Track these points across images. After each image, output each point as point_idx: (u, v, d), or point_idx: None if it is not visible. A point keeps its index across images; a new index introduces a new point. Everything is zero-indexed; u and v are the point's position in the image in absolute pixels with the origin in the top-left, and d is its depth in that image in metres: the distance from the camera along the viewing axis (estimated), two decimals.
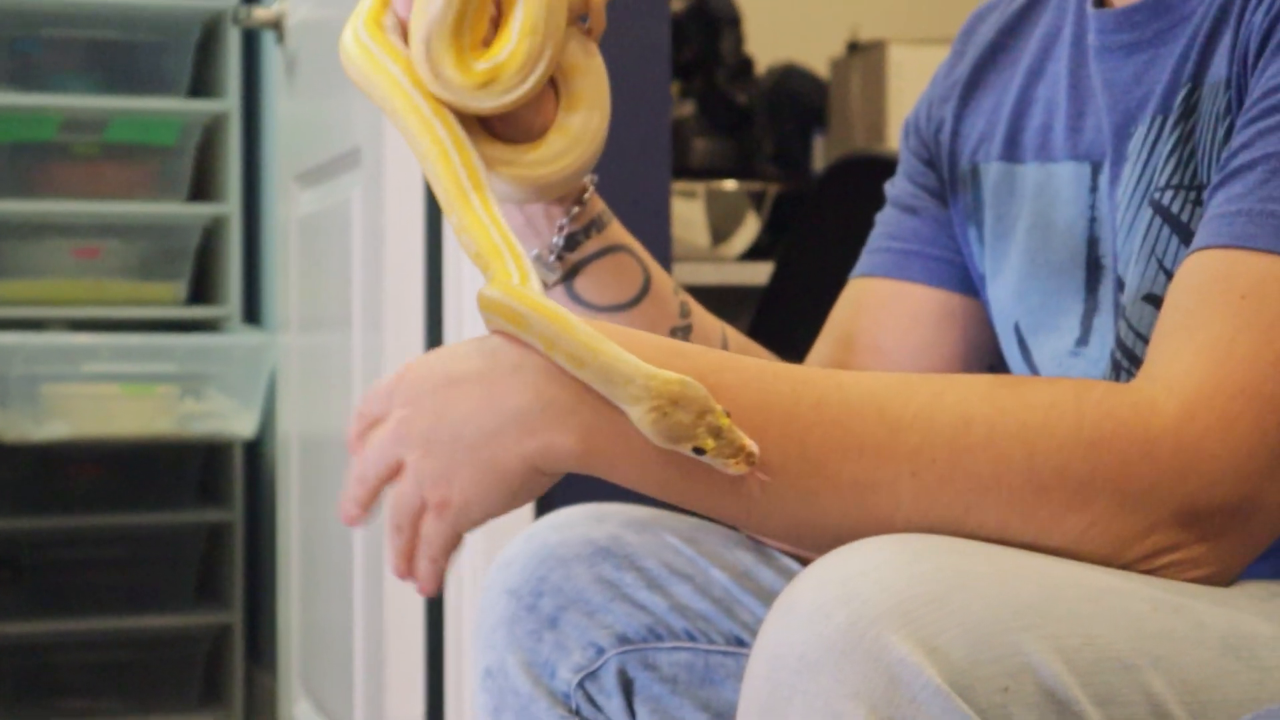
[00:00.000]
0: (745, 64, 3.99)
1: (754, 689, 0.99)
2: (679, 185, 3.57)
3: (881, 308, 1.50)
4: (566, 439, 1.08)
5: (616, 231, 1.34)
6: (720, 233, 3.72)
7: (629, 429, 1.06)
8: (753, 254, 3.69)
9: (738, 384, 1.07)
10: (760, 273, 3.40)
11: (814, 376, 1.10)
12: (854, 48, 4.13)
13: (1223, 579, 1.06)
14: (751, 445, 1.02)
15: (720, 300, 3.44)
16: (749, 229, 3.74)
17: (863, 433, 1.06)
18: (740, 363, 1.11)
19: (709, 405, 1.04)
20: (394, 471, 1.12)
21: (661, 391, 1.04)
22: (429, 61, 1.20)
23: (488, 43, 1.22)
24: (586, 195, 1.34)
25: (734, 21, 3.90)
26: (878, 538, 1.02)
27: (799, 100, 4.17)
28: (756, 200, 3.78)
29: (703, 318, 1.41)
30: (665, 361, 1.07)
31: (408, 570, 1.13)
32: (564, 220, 1.33)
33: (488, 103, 1.20)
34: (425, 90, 1.22)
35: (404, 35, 1.25)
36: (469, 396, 1.10)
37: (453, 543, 1.13)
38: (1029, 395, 1.07)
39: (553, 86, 1.27)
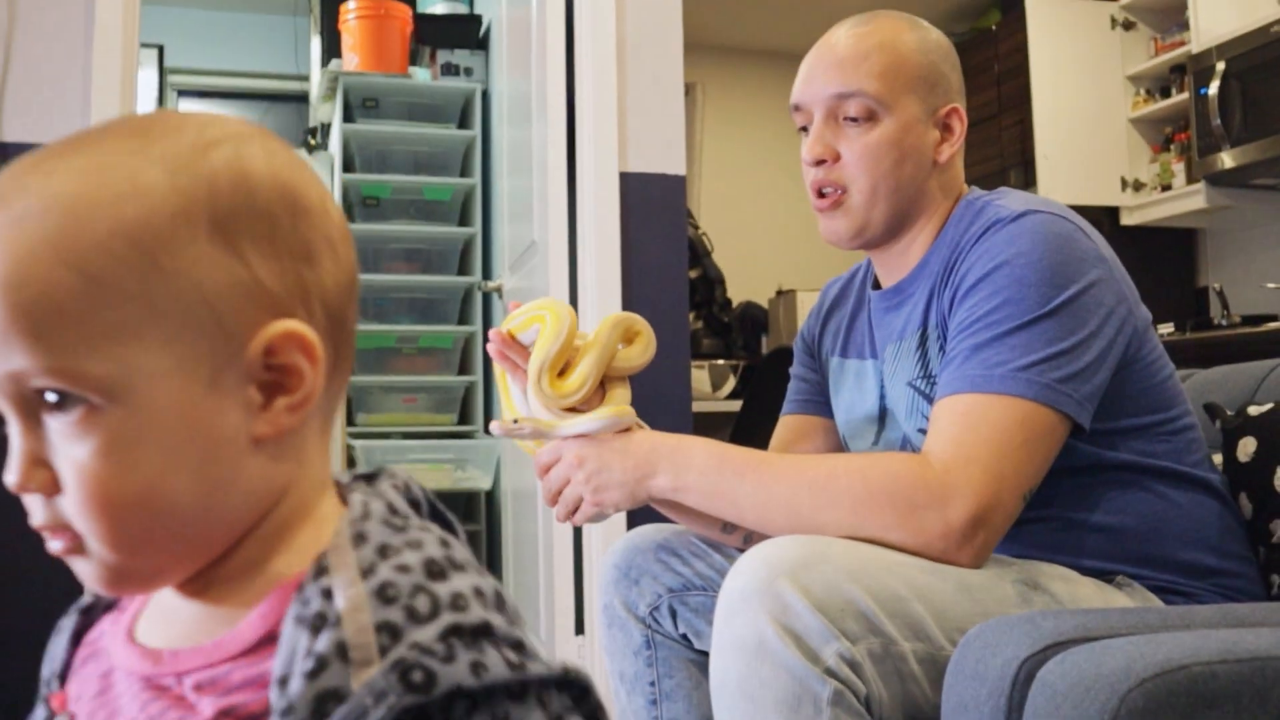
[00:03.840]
0: (727, 302, 4.24)
1: (719, 610, 1.01)
2: (695, 363, 3.85)
3: (804, 431, 1.46)
4: (663, 480, 1.16)
5: None
6: (716, 385, 3.93)
7: (690, 473, 1.14)
8: (732, 395, 3.92)
9: (739, 454, 1.13)
10: (736, 405, 3.66)
11: (765, 455, 1.14)
12: (780, 293, 4.44)
13: (980, 562, 1.06)
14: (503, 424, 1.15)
15: (717, 420, 3.78)
16: (730, 383, 3.96)
17: (785, 476, 1.09)
18: (730, 448, 1.15)
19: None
20: (565, 484, 1.21)
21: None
22: (536, 384, 1.20)
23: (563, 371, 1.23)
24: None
25: (721, 281, 4.18)
26: (788, 536, 1.03)
27: (754, 320, 4.47)
28: (734, 369, 4.00)
29: None
30: (704, 441, 1.16)
31: (566, 519, 1.24)
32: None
33: (562, 404, 1.22)
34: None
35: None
36: (625, 461, 1.18)
37: (594, 517, 1.22)
38: (869, 457, 1.10)
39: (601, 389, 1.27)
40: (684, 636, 1.36)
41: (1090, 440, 1.15)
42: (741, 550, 1.23)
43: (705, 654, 1.32)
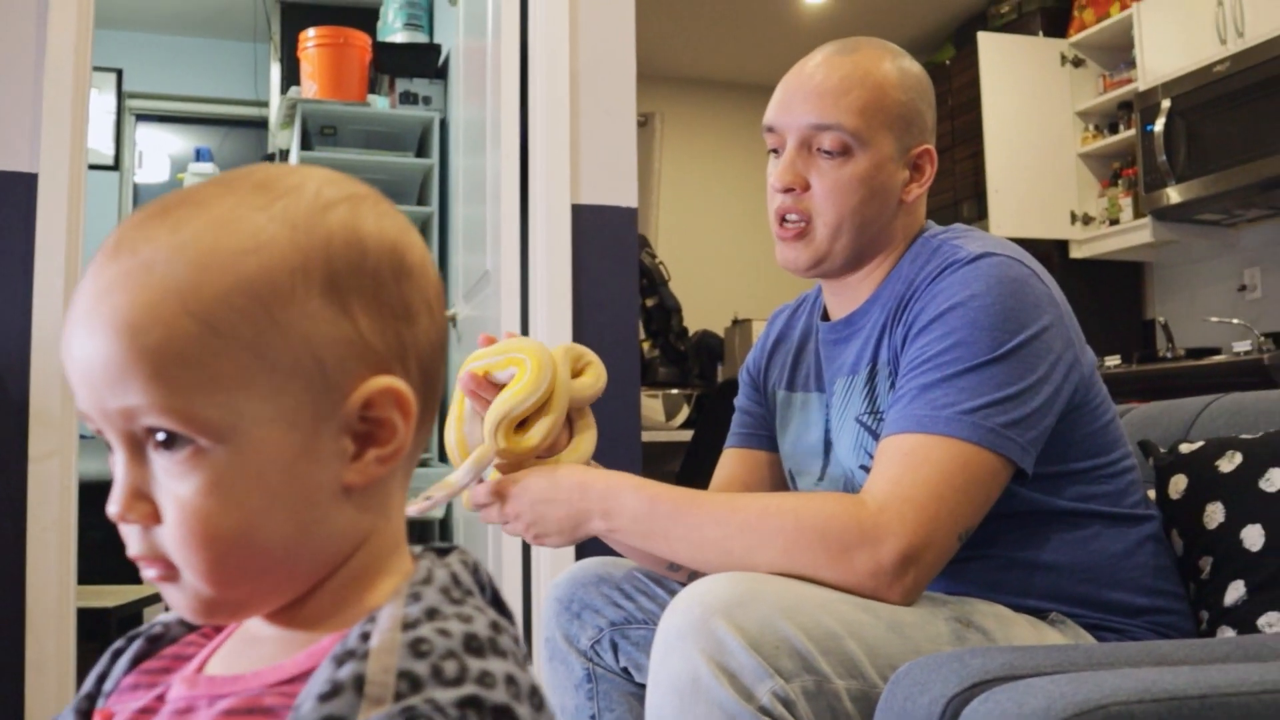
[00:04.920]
0: (684, 330, 4.21)
1: (655, 648, 1.01)
2: (650, 392, 3.88)
3: (748, 465, 1.45)
4: (597, 524, 1.17)
5: None
6: (670, 414, 3.93)
7: (621, 518, 1.13)
8: (685, 425, 3.92)
9: (670, 496, 1.13)
10: (689, 434, 3.65)
11: (696, 495, 1.14)
12: (735, 322, 4.46)
13: (911, 600, 1.06)
14: (423, 503, 1.09)
15: (669, 449, 3.75)
16: (684, 412, 3.96)
17: (717, 516, 1.10)
18: (660, 489, 1.15)
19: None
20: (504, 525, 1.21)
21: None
22: (493, 437, 1.17)
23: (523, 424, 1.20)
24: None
25: (678, 309, 4.14)
26: (722, 574, 1.03)
27: (710, 349, 4.45)
28: (688, 399, 4.00)
29: None
30: (634, 483, 1.14)
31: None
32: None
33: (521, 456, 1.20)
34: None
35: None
36: (557, 510, 1.17)
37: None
38: (803, 497, 1.10)
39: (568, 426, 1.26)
40: (625, 670, 1.36)
41: (1033, 484, 1.15)
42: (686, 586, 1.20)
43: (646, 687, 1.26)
